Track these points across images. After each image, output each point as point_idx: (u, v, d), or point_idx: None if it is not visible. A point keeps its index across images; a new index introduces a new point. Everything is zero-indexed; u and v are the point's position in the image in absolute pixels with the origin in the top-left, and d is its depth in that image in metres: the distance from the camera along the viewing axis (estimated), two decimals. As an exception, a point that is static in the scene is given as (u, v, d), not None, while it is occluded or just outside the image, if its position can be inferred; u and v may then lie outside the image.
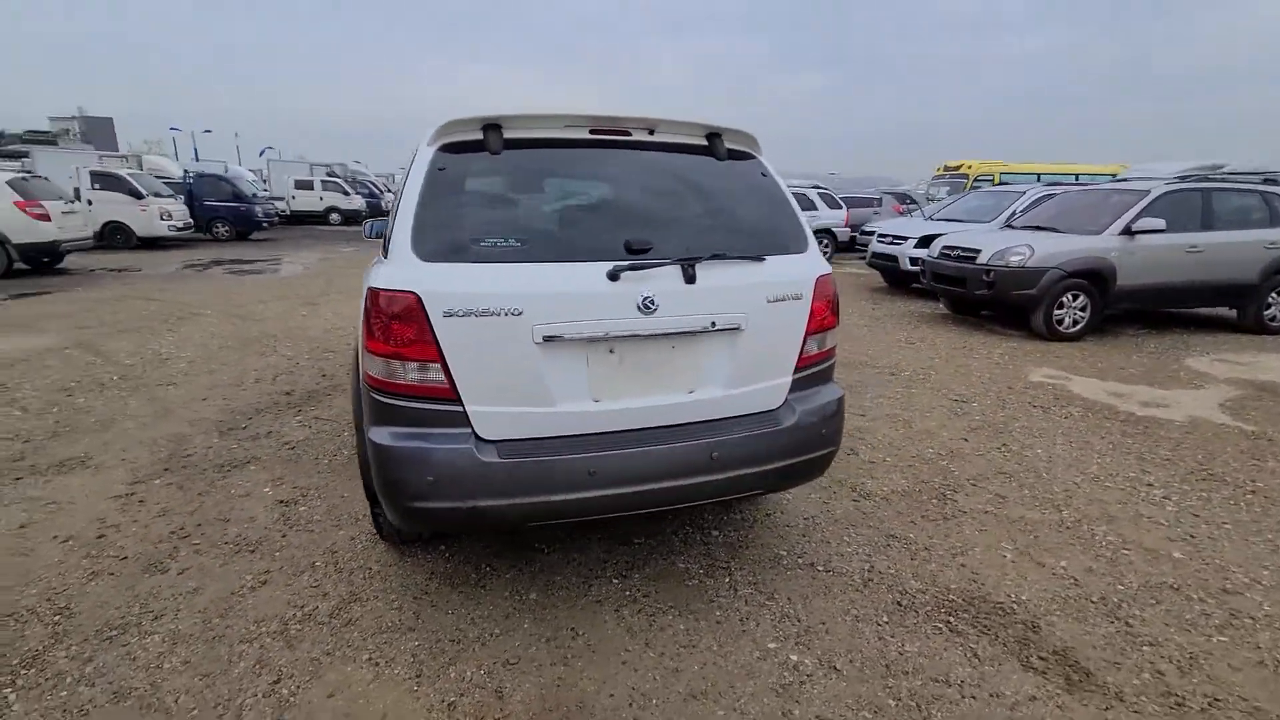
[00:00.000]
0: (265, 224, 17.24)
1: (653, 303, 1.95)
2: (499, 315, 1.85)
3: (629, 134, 2.18)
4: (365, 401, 1.99)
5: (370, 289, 1.88)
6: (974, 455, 3.60)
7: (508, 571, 2.47)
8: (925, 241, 8.55)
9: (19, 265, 9.86)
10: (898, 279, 9.84)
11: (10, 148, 17.07)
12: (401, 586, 2.38)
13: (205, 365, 5.24)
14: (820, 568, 2.53)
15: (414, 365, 1.85)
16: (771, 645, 2.09)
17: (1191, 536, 2.74)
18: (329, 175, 23.82)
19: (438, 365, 1.85)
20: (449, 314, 1.82)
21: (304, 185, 22.61)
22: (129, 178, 14.03)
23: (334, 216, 22.69)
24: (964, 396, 4.68)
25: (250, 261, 12.42)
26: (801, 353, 2.23)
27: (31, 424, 3.88)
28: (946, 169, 16.16)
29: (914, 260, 8.84)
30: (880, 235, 10.04)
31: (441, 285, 1.83)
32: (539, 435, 1.95)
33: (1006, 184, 12.02)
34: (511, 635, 2.12)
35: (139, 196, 13.86)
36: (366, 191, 25.00)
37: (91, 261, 11.84)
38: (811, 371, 2.29)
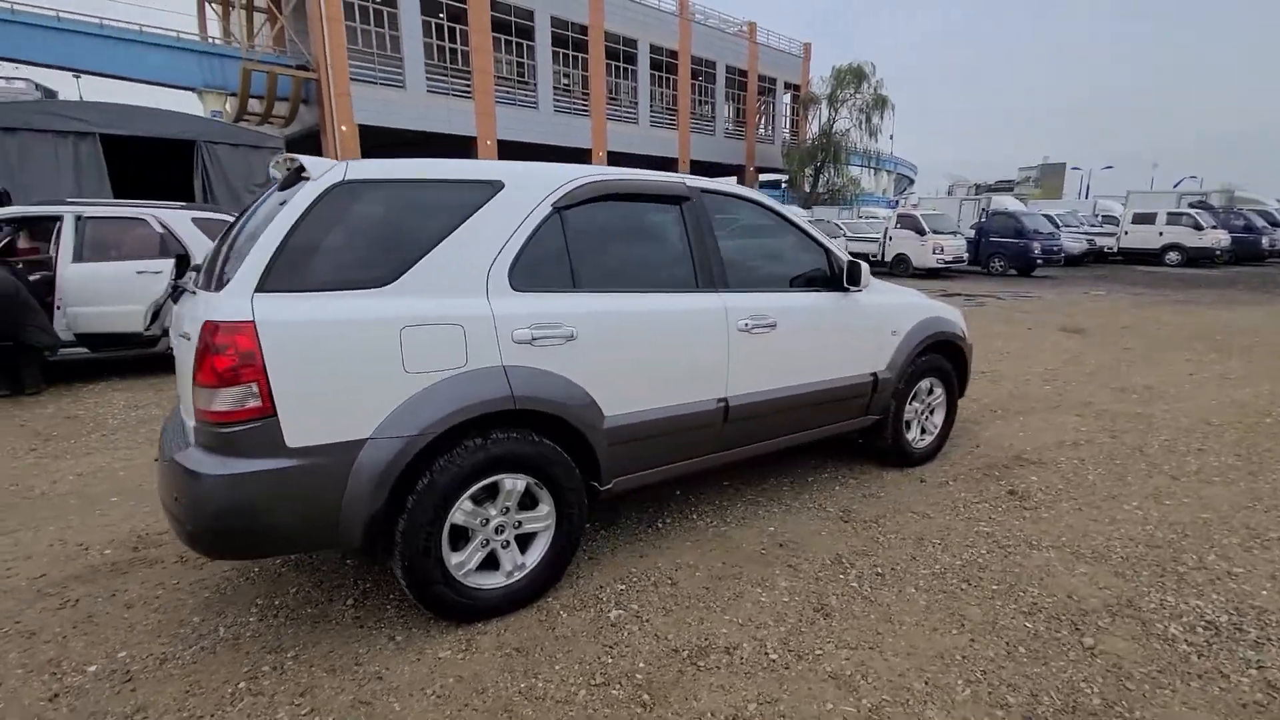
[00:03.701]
0: (1040, 261, 16.35)
1: None
2: None
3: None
4: None
5: None
6: None
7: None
8: None
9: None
10: None
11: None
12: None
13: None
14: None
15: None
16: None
17: None
18: (1194, 205, 19.26)
19: None
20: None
21: (1143, 219, 19.26)
22: (920, 218, 16.46)
23: (1171, 255, 18.46)
24: None
25: (971, 296, 12.62)
26: (196, 403, 1.98)
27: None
28: None
29: None
30: None
31: None
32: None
33: None
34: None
35: (922, 234, 16.14)
36: (1242, 224, 18.78)
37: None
38: (227, 430, 1.91)
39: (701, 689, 2.02)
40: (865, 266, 3.23)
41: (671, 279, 2.75)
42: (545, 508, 2.44)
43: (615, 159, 29.98)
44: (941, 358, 3.83)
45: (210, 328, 1.88)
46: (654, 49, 30.89)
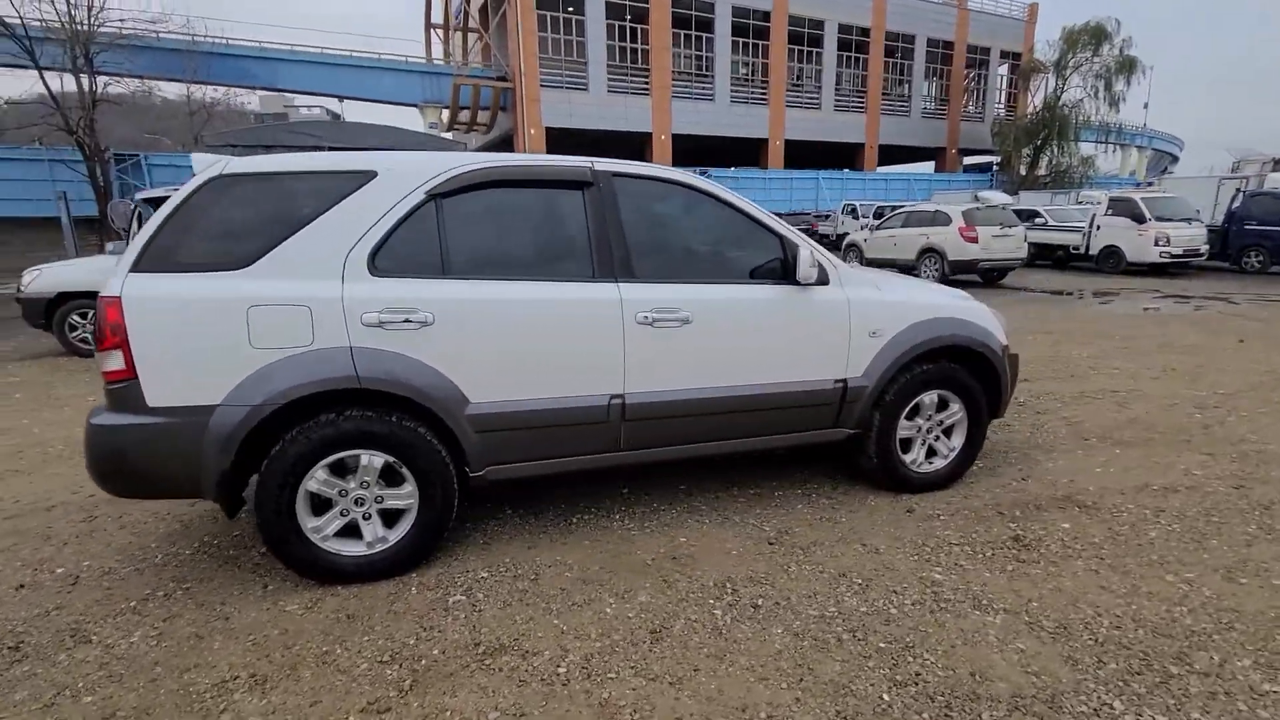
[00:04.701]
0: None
1: None
2: None
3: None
4: None
5: None
6: None
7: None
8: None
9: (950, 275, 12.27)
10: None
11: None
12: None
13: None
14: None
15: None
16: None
17: None
18: None
19: None
20: None
21: None
22: (1139, 201, 13.49)
23: None
24: None
25: (1173, 296, 10.12)
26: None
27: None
28: None
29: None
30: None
31: None
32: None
33: None
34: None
35: (1140, 220, 13.26)
36: None
37: (1028, 281, 12.91)
38: (110, 388, 2.29)
39: (464, 687, 1.96)
40: (807, 255, 2.78)
41: (561, 267, 2.65)
42: (409, 487, 2.52)
43: (793, 147, 28.86)
44: (959, 368, 3.18)
45: (100, 300, 2.26)
46: (842, 28, 29.05)
